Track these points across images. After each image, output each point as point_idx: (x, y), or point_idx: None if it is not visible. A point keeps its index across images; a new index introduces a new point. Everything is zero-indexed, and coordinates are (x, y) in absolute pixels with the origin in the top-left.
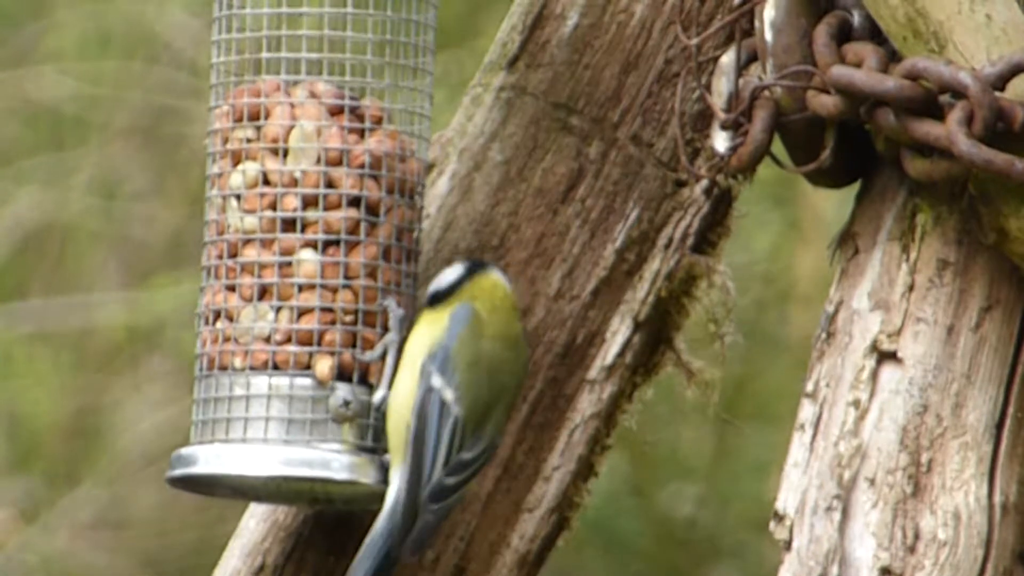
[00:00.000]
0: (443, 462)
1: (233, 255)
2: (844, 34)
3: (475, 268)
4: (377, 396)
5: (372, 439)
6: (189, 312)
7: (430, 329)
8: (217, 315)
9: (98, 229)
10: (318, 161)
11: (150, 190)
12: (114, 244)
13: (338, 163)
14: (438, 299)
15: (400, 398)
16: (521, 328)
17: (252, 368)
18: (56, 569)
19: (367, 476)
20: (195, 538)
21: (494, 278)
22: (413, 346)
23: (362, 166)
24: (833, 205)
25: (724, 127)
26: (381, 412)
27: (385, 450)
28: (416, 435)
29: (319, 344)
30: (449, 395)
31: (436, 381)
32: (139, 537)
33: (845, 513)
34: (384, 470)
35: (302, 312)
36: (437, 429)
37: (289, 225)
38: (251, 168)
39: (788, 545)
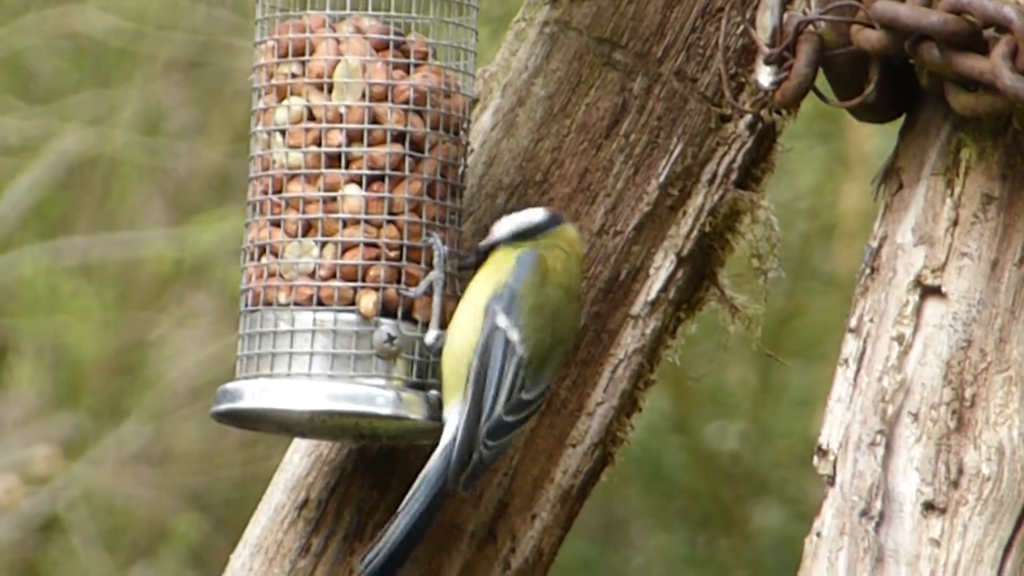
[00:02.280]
0: (504, 400)
1: (278, 191)
2: None
3: (558, 219)
4: (431, 336)
5: (417, 375)
6: (234, 247)
7: (496, 270)
8: (262, 250)
9: (143, 164)
10: (363, 96)
11: (195, 125)
12: (159, 179)
13: (383, 98)
14: (519, 238)
15: (463, 336)
16: (582, 278)
17: (297, 303)
18: (100, 504)
19: (412, 411)
20: (239, 473)
21: (572, 233)
22: (478, 285)
23: (407, 101)
24: (877, 140)
25: (768, 62)
26: (436, 350)
27: (432, 386)
28: (479, 372)
29: (363, 280)
30: (515, 335)
31: (501, 321)
32: (183, 472)
33: (888, 448)
34: (431, 406)
35: (346, 247)
36: (501, 367)
37: (334, 160)
38: (296, 103)
39: (831, 480)
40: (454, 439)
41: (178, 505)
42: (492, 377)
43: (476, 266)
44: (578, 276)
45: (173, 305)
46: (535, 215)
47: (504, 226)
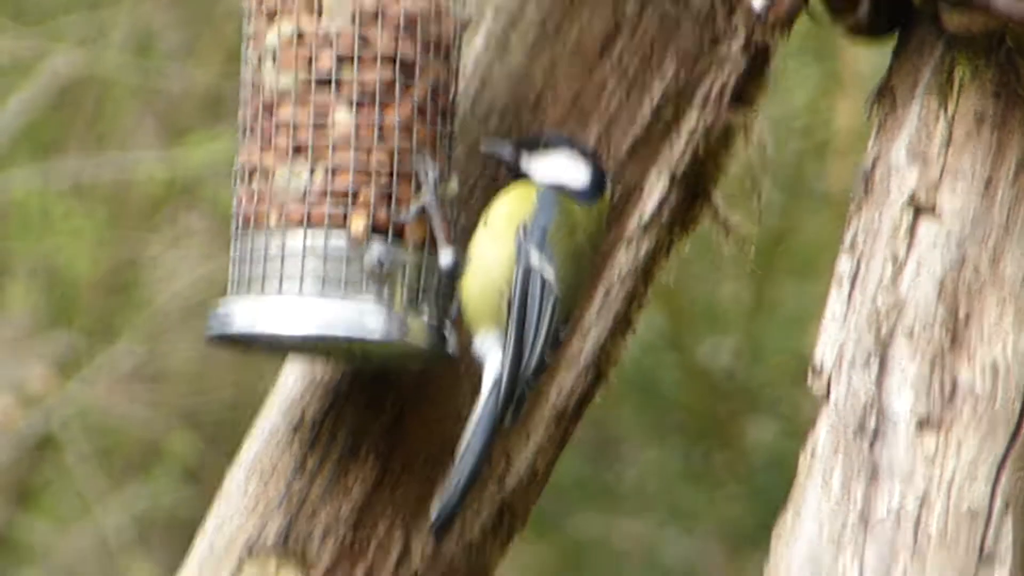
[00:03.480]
0: (544, 338)
1: (269, 114)
2: None
3: (600, 184)
4: (446, 259)
5: (408, 298)
6: (226, 168)
7: (519, 202)
8: (253, 174)
9: (134, 85)
10: (353, 19)
11: (186, 46)
12: (150, 100)
13: (373, 21)
14: (584, 196)
15: (492, 267)
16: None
17: (287, 226)
18: (94, 423)
19: (405, 335)
20: (233, 393)
21: (607, 198)
22: (500, 215)
23: (397, 24)
24: (871, 58)
25: None
26: (454, 276)
27: (423, 311)
28: (520, 312)
29: (354, 203)
30: (550, 275)
31: (535, 260)
32: (177, 392)
33: (883, 366)
34: (422, 330)
35: (337, 171)
36: (540, 307)
37: (324, 84)
38: (286, 27)
39: (825, 398)
40: (499, 380)
41: (172, 424)
42: (532, 317)
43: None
44: (604, 221)
45: (165, 225)
46: (579, 174)
47: (544, 172)
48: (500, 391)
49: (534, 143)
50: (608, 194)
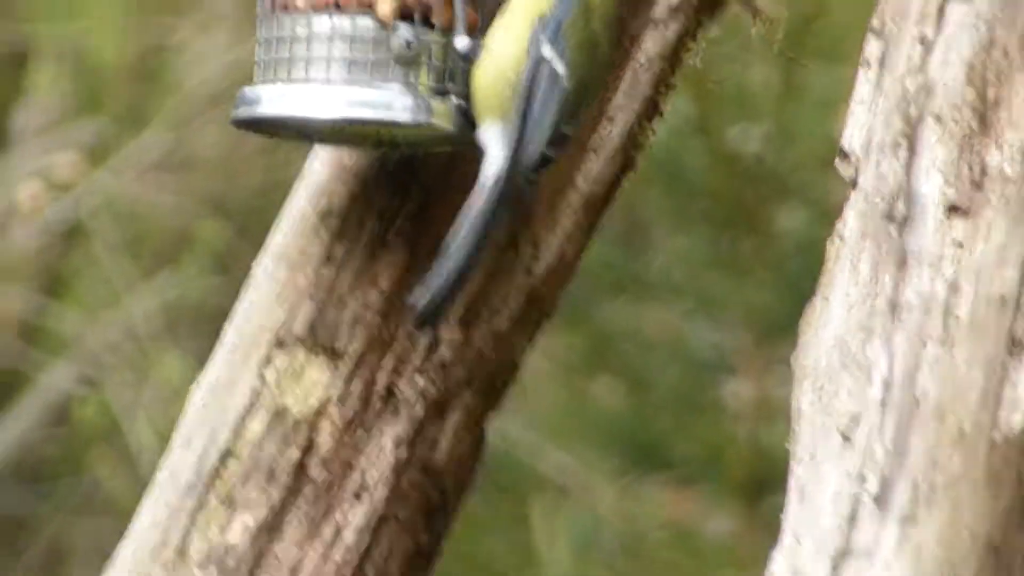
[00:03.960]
0: (548, 133)
1: None
2: None
3: None
4: (461, 42)
5: (436, 81)
6: None
7: None
8: None
9: None
10: None
11: None
12: None
13: None
14: None
15: (503, 57)
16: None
17: (314, 8)
18: (122, 210)
19: (432, 118)
20: (260, 180)
21: None
22: (519, 5)
23: None
24: None
25: None
26: (466, 58)
27: (452, 92)
28: (524, 103)
29: None
30: (560, 67)
31: (547, 51)
32: (205, 178)
33: (911, 150)
34: (451, 113)
35: None
36: (546, 99)
37: None
38: None
39: (854, 182)
40: (498, 172)
41: (200, 212)
42: (536, 108)
43: None
44: (620, 5)
45: (193, 10)
46: None
47: None
48: (497, 185)
49: None
50: None
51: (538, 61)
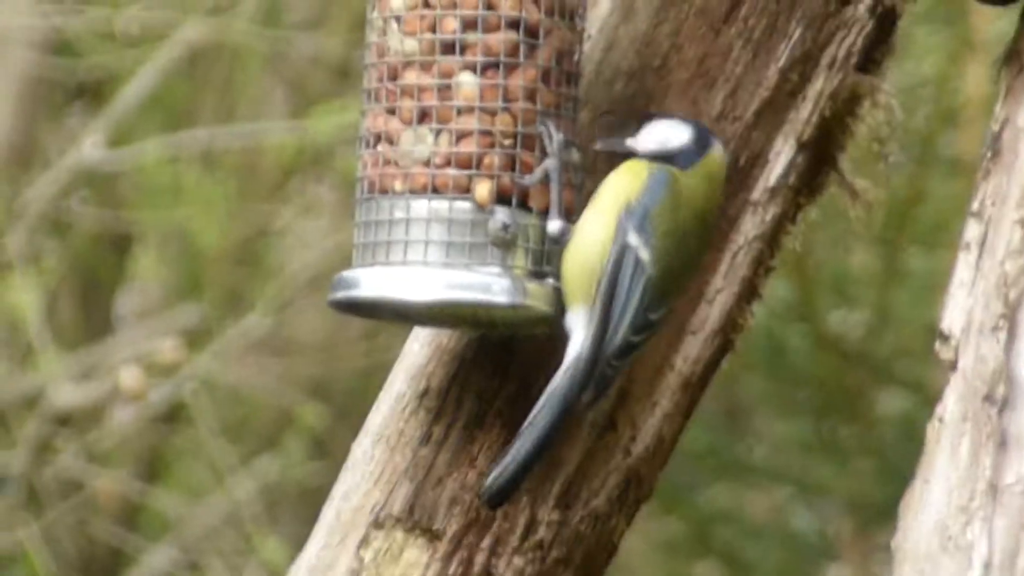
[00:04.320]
0: (630, 320)
1: (393, 78)
2: None
3: (706, 142)
4: (554, 226)
5: (533, 263)
6: (355, 137)
7: (628, 181)
8: (377, 138)
9: (264, 54)
10: None
11: (315, 15)
12: (280, 69)
13: None
14: (659, 159)
15: (589, 244)
16: (720, 199)
17: (412, 191)
18: (224, 394)
19: (528, 300)
20: (361, 363)
21: (718, 158)
22: (608, 192)
23: None
24: (1000, 23)
25: None
26: (557, 241)
27: (548, 274)
28: (608, 290)
29: (478, 167)
30: (645, 255)
31: (633, 239)
32: (305, 362)
33: (1011, 332)
34: (548, 294)
35: (461, 135)
36: (630, 286)
37: (448, 47)
38: None
39: (954, 365)
40: (579, 357)
41: (301, 395)
42: (620, 295)
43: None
44: (715, 200)
45: (295, 195)
46: (681, 134)
47: (646, 141)
48: (578, 369)
49: (640, 122)
50: (721, 160)
51: (623, 248)
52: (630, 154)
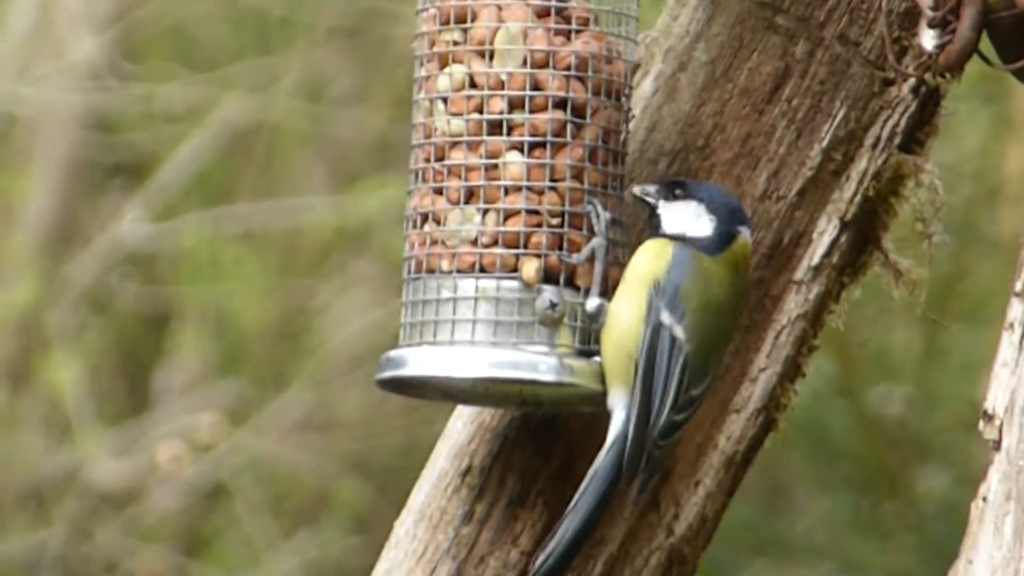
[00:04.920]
0: (672, 399)
1: (440, 158)
2: None
3: (730, 234)
4: (592, 304)
5: (580, 341)
6: (395, 214)
7: (655, 259)
8: (424, 218)
9: (305, 132)
10: (524, 63)
11: (356, 92)
12: (321, 147)
13: (544, 65)
14: (690, 243)
15: (623, 325)
16: (750, 275)
17: (459, 271)
18: (264, 471)
19: (575, 378)
20: (402, 440)
21: (744, 244)
22: (636, 272)
23: (568, 68)
24: None
25: (932, 25)
26: (599, 324)
27: (595, 352)
28: (646, 372)
29: (525, 246)
30: (680, 332)
31: (666, 317)
32: (346, 439)
33: None
34: (594, 373)
35: (508, 214)
36: (668, 366)
37: (495, 127)
38: (458, 71)
39: (997, 445)
40: (624, 437)
41: (341, 472)
42: (660, 376)
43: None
44: (747, 269)
45: (335, 272)
46: (703, 227)
47: (669, 220)
48: (620, 450)
49: (672, 189)
50: (746, 247)
51: (657, 327)
52: (656, 228)
